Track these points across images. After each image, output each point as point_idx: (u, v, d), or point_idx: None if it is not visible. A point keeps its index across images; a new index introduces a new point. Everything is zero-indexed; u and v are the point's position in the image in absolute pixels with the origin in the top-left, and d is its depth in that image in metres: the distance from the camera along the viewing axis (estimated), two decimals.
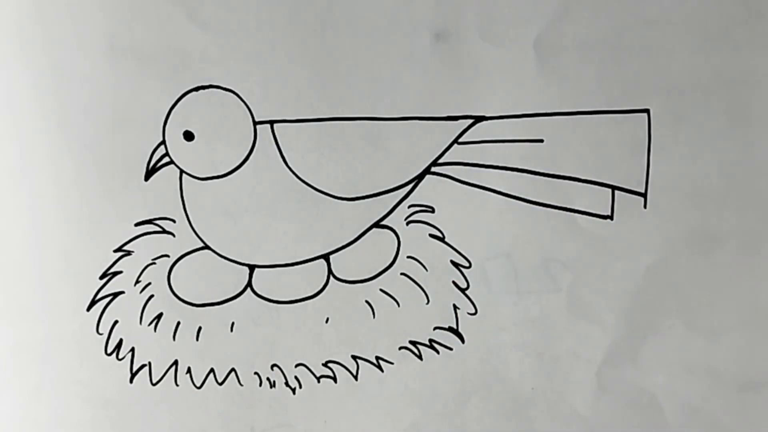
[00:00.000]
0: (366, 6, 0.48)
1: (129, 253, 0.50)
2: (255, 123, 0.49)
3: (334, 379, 0.51)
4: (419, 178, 0.49)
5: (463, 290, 0.50)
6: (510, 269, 0.50)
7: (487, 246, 0.50)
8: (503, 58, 0.48)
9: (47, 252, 0.50)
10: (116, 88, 0.49)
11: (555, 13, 0.48)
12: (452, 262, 0.50)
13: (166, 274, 0.50)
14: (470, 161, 0.49)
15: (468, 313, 0.50)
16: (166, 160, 0.49)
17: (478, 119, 0.49)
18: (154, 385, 0.51)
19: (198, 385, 0.51)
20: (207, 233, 0.50)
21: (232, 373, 0.51)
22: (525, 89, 0.48)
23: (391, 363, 0.51)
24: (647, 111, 0.48)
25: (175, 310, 0.51)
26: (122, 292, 0.51)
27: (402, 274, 0.50)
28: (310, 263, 0.50)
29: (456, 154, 0.49)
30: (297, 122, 0.49)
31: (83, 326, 0.51)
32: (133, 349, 0.51)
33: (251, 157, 0.49)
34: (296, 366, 0.51)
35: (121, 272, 0.50)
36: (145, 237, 0.50)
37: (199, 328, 0.51)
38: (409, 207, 0.50)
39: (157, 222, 0.50)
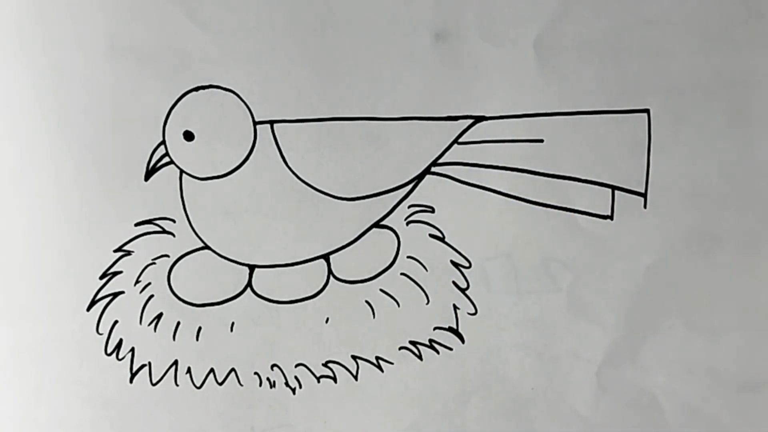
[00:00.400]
0: (366, 6, 0.48)
1: (129, 253, 0.50)
2: (255, 123, 0.49)
3: (334, 379, 0.51)
4: (419, 178, 0.49)
5: (463, 290, 0.50)
6: (510, 269, 0.50)
7: (487, 246, 0.50)
8: (503, 58, 0.48)
9: (47, 252, 0.50)
10: (116, 88, 0.49)
11: (555, 13, 0.48)
12: (452, 262, 0.50)
13: (166, 274, 0.50)
14: (470, 161, 0.49)
15: (468, 313, 0.50)
16: (166, 160, 0.49)
17: (478, 119, 0.49)
18: (154, 385, 0.51)
19: (198, 385, 0.51)
20: (207, 233, 0.50)
21: (232, 373, 0.51)
22: (525, 89, 0.48)
23: (391, 363, 0.51)
24: (647, 111, 0.48)
25: (175, 310, 0.51)
26: (122, 292, 0.51)
27: (402, 274, 0.50)
28: (310, 263, 0.50)
29: (456, 154, 0.49)
30: (297, 122, 0.49)
31: (83, 326, 0.51)
32: (133, 349, 0.51)
33: (251, 157, 0.49)
34: (296, 366, 0.51)
35: (121, 272, 0.50)
36: (145, 237, 0.50)
37: (199, 328, 0.51)
38: (409, 207, 0.50)
39: (157, 222, 0.50)
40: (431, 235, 0.50)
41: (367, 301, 0.50)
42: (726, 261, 0.49)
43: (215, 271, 0.50)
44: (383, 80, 0.48)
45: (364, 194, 0.50)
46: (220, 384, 0.51)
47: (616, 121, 0.48)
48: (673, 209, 0.49)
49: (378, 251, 0.50)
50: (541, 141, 0.49)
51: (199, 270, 0.50)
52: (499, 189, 0.49)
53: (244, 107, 0.49)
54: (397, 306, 0.50)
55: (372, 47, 0.48)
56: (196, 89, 0.49)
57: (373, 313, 0.51)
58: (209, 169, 0.49)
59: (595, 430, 0.51)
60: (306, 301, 0.51)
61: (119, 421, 0.52)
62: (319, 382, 0.51)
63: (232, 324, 0.51)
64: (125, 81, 0.49)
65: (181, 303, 0.51)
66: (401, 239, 0.50)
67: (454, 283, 0.50)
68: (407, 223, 0.50)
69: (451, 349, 0.51)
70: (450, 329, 0.51)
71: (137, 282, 0.50)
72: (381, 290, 0.50)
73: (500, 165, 0.49)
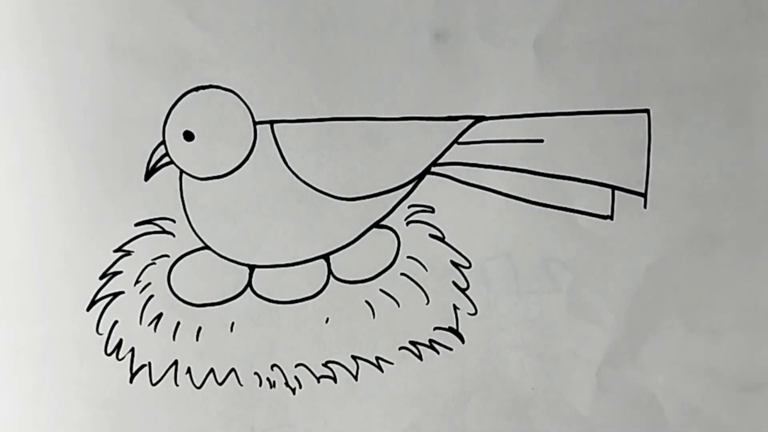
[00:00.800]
0: (366, 6, 0.48)
1: (129, 253, 0.50)
2: (255, 123, 0.49)
3: (334, 379, 0.51)
4: (419, 178, 0.49)
5: (463, 290, 0.50)
6: (510, 269, 0.50)
7: (487, 246, 0.50)
8: (503, 58, 0.48)
9: (47, 252, 0.50)
10: (116, 88, 0.49)
11: (555, 13, 0.48)
12: (452, 262, 0.50)
13: (166, 274, 0.50)
14: (470, 161, 0.49)
15: (468, 313, 0.50)
16: (166, 160, 0.49)
17: (478, 119, 0.49)
18: (154, 385, 0.51)
19: (198, 385, 0.51)
20: (207, 233, 0.50)
21: (232, 373, 0.51)
22: (525, 89, 0.48)
23: (391, 363, 0.51)
24: (647, 111, 0.48)
25: (175, 310, 0.51)
26: (122, 292, 0.51)
27: (402, 274, 0.50)
28: (310, 263, 0.50)
29: (456, 154, 0.49)
30: (297, 122, 0.49)
31: (83, 326, 0.51)
32: (133, 349, 0.51)
33: (251, 157, 0.49)
34: (296, 366, 0.51)
35: (121, 272, 0.50)
36: (145, 237, 0.50)
37: (199, 328, 0.51)
38: (409, 207, 0.50)
39: (157, 222, 0.50)
40: (431, 235, 0.50)
41: (367, 301, 0.50)
42: (726, 261, 0.49)
43: (215, 271, 0.50)
44: (383, 80, 0.48)
45: (364, 194, 0.50)
46: (220, 384, 0.51)
47: (616, 121, 0.48)
48: (673, 209, 0.49)
49: (378, 251, 0.50)
50: (541, 141, 0.49)
51: (199, 270, 0.50)
52: (499, 189, 0.49)
53: (244, 107, 0.49)
54: (397, 306, 0.50)
55: (372, 47, 0.48)
56: (196, 89, 0.49)
57: (373, 313, 0.51)
58: (209, 169, 0.49)
59: (595, 430, 0.51)
60: (306, 301, 0.51)
61: (119, 421, 0.52)
62: (319, 382, 0.51)
63: (232, 324, 0.51)
64: (125, 81, 0.49)
65: (181, 303, 0.51)
66: (401, 239, 0.50)
67: (454, 283, 0.50)
68: (407, 223, 0.50)
69: (451, 349, 0.51)
70: (450, 329, 0.51)
71: (137, 282, 0.50)
72: (381, 290, 0.50)
73: (500, 165, 0.49)
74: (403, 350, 0.51)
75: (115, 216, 0.50)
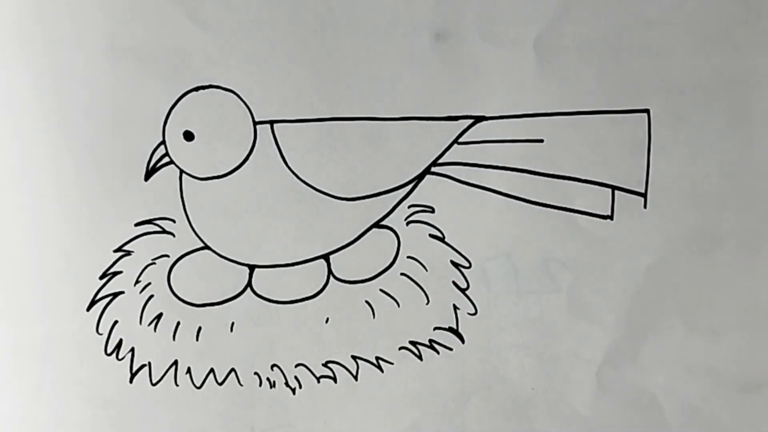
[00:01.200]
0: (366, 6, 0.48)
1: (129, 253, 0.50)
2: (255, 123, 0.49)
3: (334, 379, 0.51)
4: (419, 178, 0.49)
5: (463, 290, 0.50)
6: (510, 269, 0.50)
7: (487, 246, 0.50)
8: (503, 58, 0.48)
9: (47, 252, 0.50)
10: (116, 88, 0.49)
11: (555, 13, 0.48)
12: (452, 262, 0.50)
13: (166, 274, 0.50)
14: (470, 161, 0.49)
15: (468, 313, 0.50)
16: (166, 160, 0.49)
17: (478, 119, 0.49)
18: (154, 385, 0.51)
19: (198, 385, 0.51)
20: (207, 233, 0.50)
21: (232, 373, 0.51)
22: (525, 89, 0.48)
23: (391, 363, 0.51)
24: (647, 111, 0.48)
25: (175, 310, 0.51)
26: (122, 292, 0.51)
27: (402, 274, 0.50)
28: (310, 263, 0.50)
29: (456, 154, 0.49)
30: (297, 122, 0.49)
31: (83, 326, 0.51)
32: (133, 349, 0.51)
33: (251, 157, 0.49)
34: (296, 366, 0.51)
35: (121, 272, 0.50)
36: (145, 237, 0.50)
37: (199, 328, 0.51)
38: (409, 207, 0.50)
39: (157, 222, 0.50)
40: (431, 235, 0.50)
41: (367, 301, 0.50)
42: (726, 261, 0.49)
43: (215, 271, 0.50)
44: (383, 80, 0.48)
45: (364, 194, 0.50)
46: (220, 384, 0.51)
47: (616, 121, 0.48)
48: (673, 209, 0.49)
49: (378, 251, 0.50)
50: (541, 141, 0.49)
51: (199, 270, 0.50)
52: (499, 189, 0.49)
53: (244, 107, 0.49)
54: (397, 306, 0.50)
55: (372, 47, 0.48)
56: (196, 89, 0.49)
57: (373, 313, 0.51)
58: (209, 169, 0.49)
59: (595, 430, 0.51)
60: (306, 301, 0.51)
61: (119, 421, 0.52)
62: (319, 382, 0.51)
63: (232, 324, 0.51)
64: (125, 81, 0.49)
65: (181, 303, 0.51)
66: (401, 239, 0.50)
67: (454, 283, 0.50)
68: (407, 223, 0.50)
69: (451, 349, 0.51)
70: (450, 329, 0.51)
71: (137, 282, 0.50)
72: (381, 290, 0.50)
73: (500, 165, 0.49)
74: (403, 350, 0.51)
75: (115, 216, 0.50)
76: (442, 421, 0.51)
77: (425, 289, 0.50)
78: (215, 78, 0.49)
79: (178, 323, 0.51)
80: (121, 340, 0.51)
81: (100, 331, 0.51)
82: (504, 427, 0.51)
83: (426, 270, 0.50)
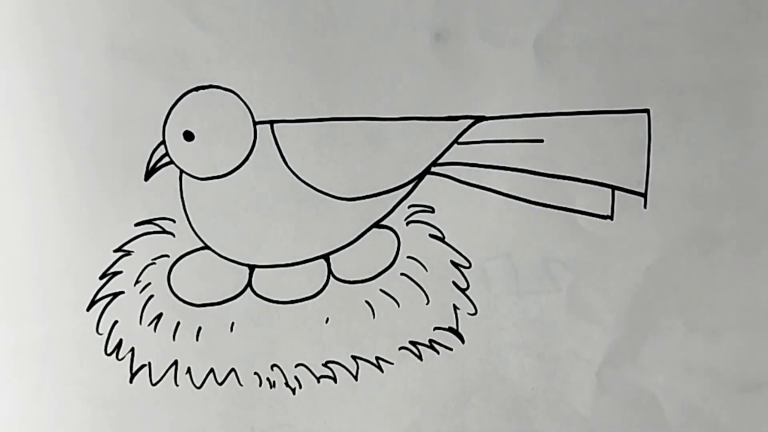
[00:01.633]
0: (366, 6, 0.48)
1: (129, 253, 0.50)
2: (255, 123, 0.49)
3: (334, 379, 0.51)
4: (419, 178, 0.49)
5: (463, 290, 0.50)
6: (510, 269, 0.50)
7: (487, 246, 0.50)
8: (503, 58, 0.48)
9: (47, 252, 0.50)
10: (116, 88, 0.49)
11: (555, 13, 0.48)
12: (452, 262, 0.50)
13: (166, 274, 0.50)
14: (470, 161, 0.49)
15: (468, 313, 0.50)
16: (166, 160, 0.49)
17: (478, 119, 0.49)
18: (154, 385, 0.51)
19: (198, 385, 0.51)
20: (207, 233, 0.50)
21: (232, 373, 0.51)
22: (525, 89, 0.48)
23: (391, 363, 0.51)
24: (647, 111, 0.48)
25: (175, 310, 0.51)
26: (122, 292, 0.51)
27: (402, 274, 0.50)
28: (310, 263, 0.50)
29: (456, 154, 0.49)
30: (297, 122, 0.49)
31: (83, 326, 0.51)
32: (133, 349, 0.51)
33: (251, 157, 0.49)
34: (296, 366, 0.51)
35: (121, 272, 0.50)
36: (145, 237, 0.50)
37: (199, 328, 0.51)
38: (409, 207, 0.50)
39: (157, 222, 0.50)
40: (431, 235, 0.50)
41: (367, 301, 0.50)
42: (726, 261, 0.49)
43: (215, 271, 0.50)
44: (383, 80, 0.48)
45: (364, 194, 0.50)
46: (220, 384, 0.51)
47: (616, 121, 0.48)
48: (673, 209, 0.49)
49: (378, 251, 0.50)
50: (541, 141, 0.49)
51: (199, 270, 0.50)
52: (499, 189, 0.49)
53: (244, 107, 0.49)
54: (397, 306, 0.50)
55: (372, 47, 0.48)
56: (196, 89, 0.49)
57: (373, 313, 0.51)
58: (209, 169, 0.49)
59: (595, 430, 0.51)
60: (306, 301, 0.51)
61: (119, 421, 0.52)
62: (319, 382, 0.51)
63: (232, 324, 0.51)
64: (125, 81, 0.49)
65: (181, 303, 0.51)
66: (401, 239, 0.50)
67: (454, 283, 0.50)
68: (407, 223, 0.50)
69: (451, 349, 0.51)
70: (450, 329, 0.51)
71: (137, 282, 0.50)
72: (381, 290, 0.50)
73: (500, 165, 0.49)
74: (403, 350, 0.51)
75: (115, 216, 0.50)
76: (442, 421, 0.51)
77: (425, 289, 0.50)
78: (215, 78, 0.49)
79: (178, 323, 0.51)
80: (121, 340, 0.51)
81: (100, 331, 0.51)
82: (504, 427, 0.51)
83: (426, 270, 0.50)
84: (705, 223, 0.49)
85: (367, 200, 0.50)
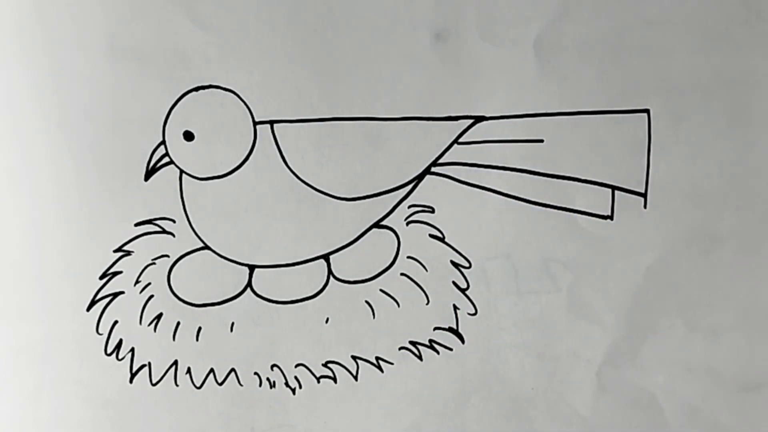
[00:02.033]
0: (366, 6, 0.48)
1: (129, 253, 0.50)
2: (255, 123, 0.49)
3: (334, 379, 0.51)
4: (419, 178, 0.49)
5: (463, 290, 0.50)
6: (510, 269, 0.50)
7: (487, 246, 0.50)
8: (503, 58, 0.48)
9: (47, 252, 0.50)
10: (116, 88, 0.49)
11: (555, 13, 0.48)
12: (452, 262, 0.50)
13: (166, 274, 0.50)
14: (470, 161, 0.49)
15: (468, 314, 0.50)
16: (166, 160, 0.49)
17: (478, 119, 0.49)
18: (154, 385, 0.51)
19: (198, 385, 0.51)
20: (207, 233, 0.50)
21: (232, 373, 0.51)
22: (525, 89, 0.48)
23: (391, 363, 0.51)
24: (647, 111, 0.48)
25: (175, 310, 0.51)
26: (122, 292, 0.51)
27: (402, 274, 0.50)
28: (310, 263, 0.50)
29: (456, 154, 0.49)
30: (297, 122, 0.49)
31: (83, 326, 0.51)
32: (133, 350, 0.51)
33: (251, 157, 0.49)
34: (296, 366, 0.51)
35: (121, 272, 0.50)
36: (145, 237, 0.50)
37: (199, 328, 0.51)
38: (409, 207, 0.50)
39: (157, 222, 0.50)
40: (431, 235, 0.50)
41: (367, 301, 0.50)
42: (726, 261, 0.49)
43: (215, 271, 0.50)
44: (383, 80, 0.48)
45: (364, 194, 0.50)
46: (220, 384, 0.51)
47: (616, 121, 0.48)
48: (673, 209, 0.49)
49: (378, 251, 0.50)
50: (541, 141, 0.49)
51: (199, 270, 0.50)
52: (499, 189, 0.49)
53: (244, 107, 0.49)
54: (397, 306, 0.50)
55: (372, 47, 0.48)
56: (196, 89, 0.49)
57: (373, 313, 0.51)
58: (209, 169, 0.49)
59: (595, 430, 0.51)
60: (306, 301, 0.51)
61: (119, 421, 0.52)
62: (319, 382, 0.51)
63: (232, 324, 0.51)
64: (125, 81, 0.49)
65: (181, 303, 0.51)
66: (401, 239, 0.50)
67: (454, 283, 0.50)
68: (407, 223, 0.50)
69: (451, 349, 0.51)
70: (450, 329, 0.51)
71: (137, 282, 0.50)
72: (381, 290, 0.50)
73: (500, 165, 0.49)
74: (403, 350, 0.51)
75: (115, 216, 0.50)
76: (442, 421, 0.51)
77: (425, 289, 0.50)
78: (215, 78, 0.49)
79: (178, 323, 0.51)
80: (121, 340, 0.51)
81: (100, 331, 0.51)
82: (504, 427, 0.51)
83: (426, 270, 0.50)
84: (705, 223, 0.49)
85: (367, 200, 0.50)
